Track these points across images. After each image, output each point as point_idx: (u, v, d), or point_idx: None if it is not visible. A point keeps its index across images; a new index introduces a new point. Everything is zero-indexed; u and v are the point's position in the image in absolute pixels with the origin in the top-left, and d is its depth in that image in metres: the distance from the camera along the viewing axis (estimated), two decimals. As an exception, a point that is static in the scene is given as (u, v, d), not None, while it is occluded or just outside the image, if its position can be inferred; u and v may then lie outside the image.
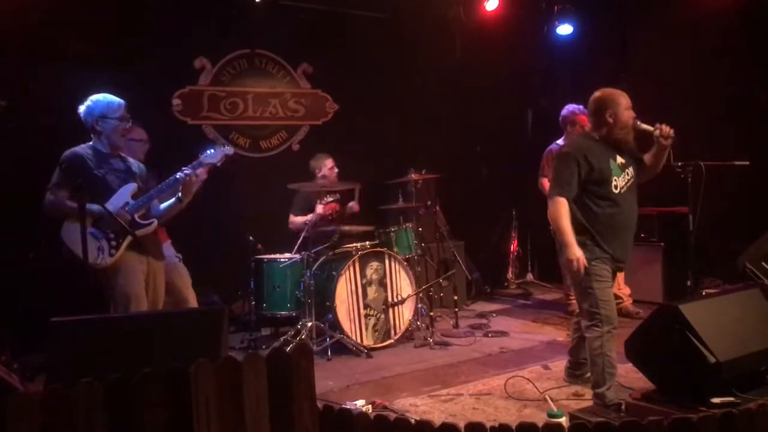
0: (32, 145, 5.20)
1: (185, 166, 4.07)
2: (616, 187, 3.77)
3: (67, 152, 3.96)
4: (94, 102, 4.00)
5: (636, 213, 3.94)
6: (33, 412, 1.88)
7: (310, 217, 5.69)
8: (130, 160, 4.21)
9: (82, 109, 4.00)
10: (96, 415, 1.95)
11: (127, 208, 3.94)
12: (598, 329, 3.71)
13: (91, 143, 4.05)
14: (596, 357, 3.73)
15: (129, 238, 3.91)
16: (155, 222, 4.05)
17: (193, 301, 4.79)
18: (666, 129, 3.78)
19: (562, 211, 3.72)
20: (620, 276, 5.92)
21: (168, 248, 4.80)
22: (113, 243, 3.88)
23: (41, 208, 3.92)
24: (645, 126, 3.83)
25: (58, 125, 4.91)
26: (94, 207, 3.79)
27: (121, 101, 4.04)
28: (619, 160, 3.83)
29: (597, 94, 3.91)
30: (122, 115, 4.02)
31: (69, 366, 2.30)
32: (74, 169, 3.85)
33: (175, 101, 6.50)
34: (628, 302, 6.06)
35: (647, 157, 3.96)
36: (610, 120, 3.80)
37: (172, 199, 4.14)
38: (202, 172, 4.15)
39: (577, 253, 3.66)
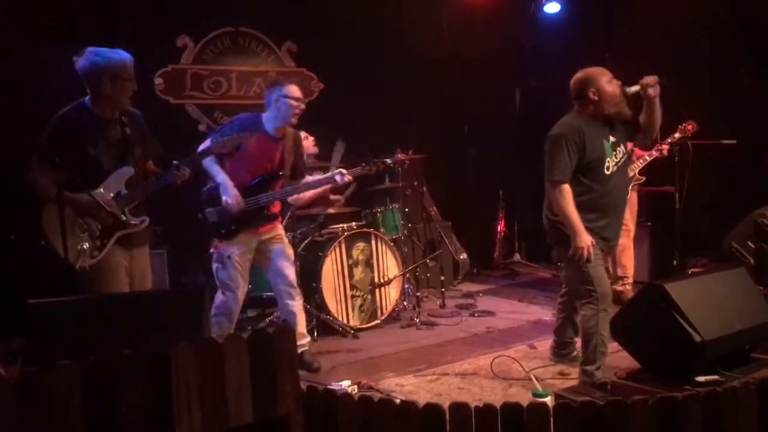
0: (7, 123, 5.10)
1: (189, 158, 3.68)
2: (608, 168, 3.75)
3: (55, 120, 3.40)
4: (103, 57, 3.36)
5: (626, 191, 3.92)
6: (8, 397, 1.84)
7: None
8: (130, 114, 3.61)
9: (82, 62, 3.38)
10: (73, 399, 1.91)
11: (118, 200, 3.44)
12: (594, 307, 3.70)
13: (86, 102, 3.45)
14: (591, 335, 3.71)
15: (116, 236, 3.45)
16: (146, 220, 3.60)
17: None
18: (649, 78, 3.72)
19: (567, 198, 3.65)
20: (625, 255, 5.77)
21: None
22: (97, 243, 3.40)
23: (28, 181, 3.42)
24: (633, 88, 3.77)
25: (34, 104, 4.80)
26: (79, 196, 3.35)
27: (131, 57, 3.45)
28: (611, 138, 3.80)
29: (576, 75, 3.86)
30: (133, 74, 3.45)
31: (47, 349, 2.26)
32: (62, 143, 3.32)
33: (157, 80, 6.37)
34: (629, 288, 5.77)
35: (642, 118, 3.89)
36: (595, 97, 3.74)
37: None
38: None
39: (588, 240, 3.62)
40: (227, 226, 4.27)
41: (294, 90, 4.32)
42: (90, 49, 3.40)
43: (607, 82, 3.76)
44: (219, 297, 4.36)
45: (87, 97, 3.45)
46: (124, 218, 3.47)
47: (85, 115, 3.43)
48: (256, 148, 4.32)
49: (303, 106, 4.37)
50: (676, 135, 5.31)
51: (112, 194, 3.43)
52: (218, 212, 4.28)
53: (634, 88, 3.77)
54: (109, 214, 3.42)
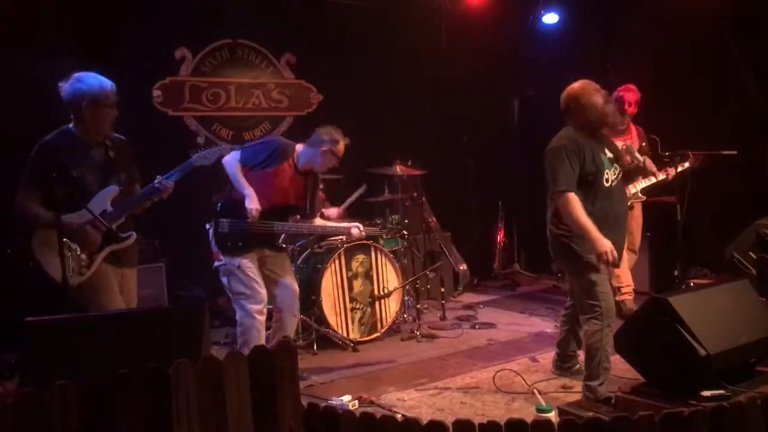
0: (5, 137, 5.08)
1: (171, 172, 3.68)
2: (607, 181, 3.75)
3: (40, 145, 3.51)
4: (84, 83, 3.48)
5: (627, 205, 3.92)
6: (4, 417, 1.81)
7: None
8: (113, 137, 3.70)
9: (66, 87, 3.50)
10: (71, 419, 1.88)
11: (104, 217, 3.49)
12: (598, 322, 3.67)
13: (70, 127, 3.57)
14: (594, 351, 3.69)
15: (103, 254, 3.54)
16: (134, 236, 3.65)
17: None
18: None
19: (576, 205, 3.61)
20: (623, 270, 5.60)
21: None
22: (85, 260, 3.48)
23: (16, 209, 3.56)
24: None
25: (33, 117, 4.78)
26: (68, 217, 3.39)
27: (113, 85, 3.57)
28: (609, 154, 3.81)
29: (565, 92, 3.87)
30: (114, 102, 3.56)
31: (43, 367, 2.22)
32: (47, 166, 3.37)
33: (156, 92, 6.37)
34: (629, 297, 5.61)
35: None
36: (580, 108, 3.76)
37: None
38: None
39: (607, 243, 3.55)
40: (235, 241, 4.30)
41: (342, 149, 4.51)
42: (75, 75, 3.53)
43: (594, 90, 3.79)
44: (238, 313, 4.35)
45: (71, 124, 3.58)
46: (113, 233, 3.53)
47: (68, 139, 3.55)
48: (280, 176, 4.37)
49: (336, 164, 4.56)
50: (686, 164, 5.29)
51: (98, 212, 3.48)
52: (231, 225, 4.30)
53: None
54: (98, 230, 3.50)
